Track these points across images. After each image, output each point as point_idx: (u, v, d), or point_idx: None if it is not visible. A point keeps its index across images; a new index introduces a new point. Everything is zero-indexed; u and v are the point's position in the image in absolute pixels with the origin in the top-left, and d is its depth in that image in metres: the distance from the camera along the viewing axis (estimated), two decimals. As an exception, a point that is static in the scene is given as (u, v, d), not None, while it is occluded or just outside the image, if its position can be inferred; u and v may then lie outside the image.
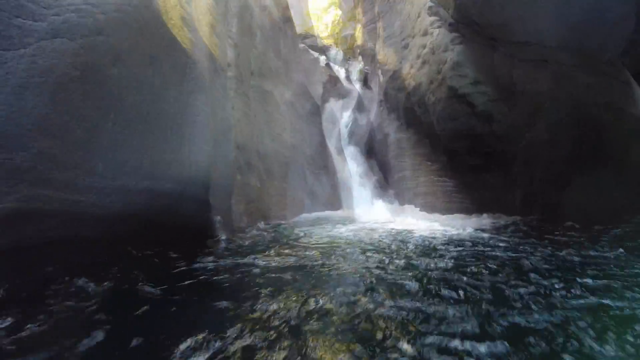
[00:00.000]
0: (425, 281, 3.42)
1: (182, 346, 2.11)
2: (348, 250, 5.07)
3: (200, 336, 2.21)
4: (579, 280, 3.40)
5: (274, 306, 2.71)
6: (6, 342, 2.04)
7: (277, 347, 2.14)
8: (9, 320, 2.24)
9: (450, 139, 9.55)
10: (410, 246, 5.35)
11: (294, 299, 2.89)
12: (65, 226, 2.92)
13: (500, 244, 5.36)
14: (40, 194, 2.64)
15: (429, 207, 10.34)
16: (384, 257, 4.47)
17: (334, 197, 12.13)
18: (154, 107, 3.96)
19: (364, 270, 3.84)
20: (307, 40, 19.67)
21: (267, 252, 4.71)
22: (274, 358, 2.02)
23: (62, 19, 2.59)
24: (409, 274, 3.69)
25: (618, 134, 7.65)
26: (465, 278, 3.48)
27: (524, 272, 3.72)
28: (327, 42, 21.95)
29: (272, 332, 2.30)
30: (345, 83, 16.96)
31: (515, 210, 8.46)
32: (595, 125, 7.67)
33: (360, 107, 15.52)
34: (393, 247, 5.33)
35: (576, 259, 4.33)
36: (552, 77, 7.79)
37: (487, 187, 9.28)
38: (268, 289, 3.12)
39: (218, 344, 2.15)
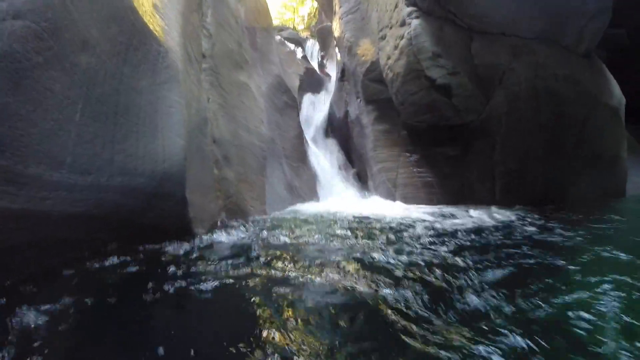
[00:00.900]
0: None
1: None
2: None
3: None
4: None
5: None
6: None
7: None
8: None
9: (410, 114, 9.70)
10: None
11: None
12: (31, 227, 2.73)
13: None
14: (5, 191, 2.45)
15: (410, 199, 10.36)
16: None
17: (313, 190, 12.03)
18: (125, 97, 3.76)
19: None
20: (283, 32, 19.48)
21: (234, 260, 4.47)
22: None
23: (24, 0, 2.38)
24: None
25: (577, 107, 7.84)
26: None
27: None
28: (304, 34, 21.78)
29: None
30: (322, 75, 16.87)
31: (495, 201, 8.56)
32: (554, 98, 7.81)
33: (337, 99, 15.44)
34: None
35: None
36: (510, 49, 7.91)
37: (465, 178, 9.39)
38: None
39: None
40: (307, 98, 16.49)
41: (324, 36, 19.48)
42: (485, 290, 2.92)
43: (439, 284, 3.08)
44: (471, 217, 7.10)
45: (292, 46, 18.26)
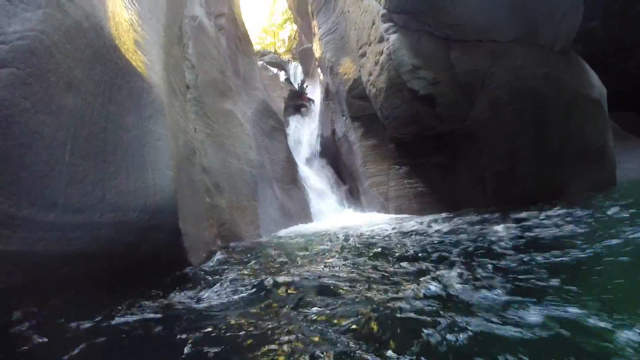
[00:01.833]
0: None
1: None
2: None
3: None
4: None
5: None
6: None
7: None
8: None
9: (395, 127, 9.85)
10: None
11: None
12: (28, 268, 2.73)
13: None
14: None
15: (403, 210, 10.44)
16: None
17: (306, 211, 12.06)
18: (113, 135, 3.81)
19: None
20: (265, 57, 19.73)
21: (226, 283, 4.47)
22: None
23: (8, 48, 2.44)
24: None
25: (559, 103, 7.99)
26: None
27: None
28: (285, 57, 22.07)
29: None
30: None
31: (488, 204, 8.64)
32: (535, 98, 7.96)
33: (323, 119, 15.60)
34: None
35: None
36: (489, 54, 8.09)
37: (456, 185, 9.49)
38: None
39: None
40: (294, 119, 16.65)
41: (305, 58, 19.78)
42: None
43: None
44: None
45: (274, 70, 18.50)
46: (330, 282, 3.81)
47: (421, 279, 3.51)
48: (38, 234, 2.76)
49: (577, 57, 8.65)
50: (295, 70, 20.24)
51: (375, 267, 4.31)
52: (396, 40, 8.72)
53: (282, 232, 9.36)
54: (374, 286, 3.48)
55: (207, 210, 7.05)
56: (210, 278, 4.60)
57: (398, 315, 2.68)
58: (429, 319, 2.54)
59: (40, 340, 2.56)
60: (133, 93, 4.32)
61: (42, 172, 2.76)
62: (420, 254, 4.80)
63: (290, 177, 12.33)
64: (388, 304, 2.88)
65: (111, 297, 3.51)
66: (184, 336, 2.64)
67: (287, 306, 3.15)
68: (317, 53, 14.46)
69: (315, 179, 14.19)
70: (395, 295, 3.12)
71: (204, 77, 8.32)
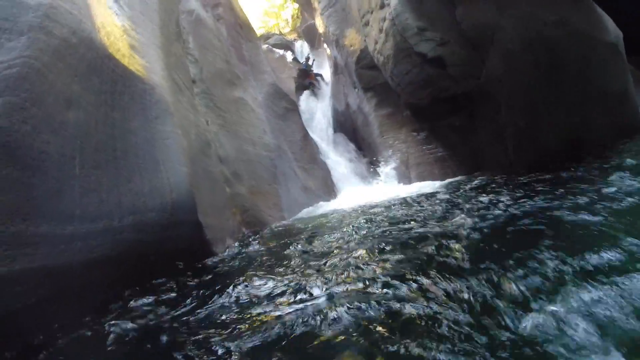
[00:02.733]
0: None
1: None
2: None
3: None
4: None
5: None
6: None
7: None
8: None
9: (409, 93, 9.68)
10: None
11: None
12: (54, 281, 2.90)
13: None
14: (22, 253, 2.63)
15: (425, 176, 10.36)
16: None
17: (328, 188, 12.12)
18: (121, 141, 3.94)
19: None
20: (270, 39, 19.61)
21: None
22: None
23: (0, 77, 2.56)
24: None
25: (574, 50, 7.66)
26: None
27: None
28: (291, 36, 21.84)
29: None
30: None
31: (510, 163, 8.49)
32: (548, 46, 7.65)
33: (336, 93, 15.48)
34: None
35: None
36: (495, 6, 7.75)
37: (476, 146, 9.33)
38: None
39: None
40: (306, 98, 16.58)
41: (310, 35, 19.53)
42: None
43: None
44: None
45: (281, 51, 18.37)
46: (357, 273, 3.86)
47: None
48: (60, 247, 2.91)
49: (588, 0, 8.24)
50: (302, 49, 20.04)
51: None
52: (398, 4, 8.50)
53: (307, 212, 9.46)
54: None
55: (228, 200, 7.20)
56: (227, 268, 4.71)
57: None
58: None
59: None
60: (135, 97, 4.42)
61: (53, 188, 2.90)
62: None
63: (310, 156, 12.36)
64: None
65: (137, 294, 3.66)
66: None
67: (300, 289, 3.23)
68: (321, 28, 14.27)
69: (335, 155, 14.18)
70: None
71: (209, 69, 8.38)
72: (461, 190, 6.99)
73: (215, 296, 3.48)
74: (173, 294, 3.71)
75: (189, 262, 4.70)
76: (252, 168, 8.50)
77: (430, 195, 7.12)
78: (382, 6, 9.15)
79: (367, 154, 13.97)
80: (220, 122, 8.09)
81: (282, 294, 3.18)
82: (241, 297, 3.32)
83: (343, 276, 3.27)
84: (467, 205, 5.36)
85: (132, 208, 3.86)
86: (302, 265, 4.05)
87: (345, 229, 5.66)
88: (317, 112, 16.11)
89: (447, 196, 6.69)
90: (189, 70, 7.39)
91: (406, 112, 10.94)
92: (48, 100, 2.90)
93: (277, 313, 2.78)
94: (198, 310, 3.17)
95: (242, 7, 12.99)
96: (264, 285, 3.50)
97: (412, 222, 5.07)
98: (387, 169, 11.81)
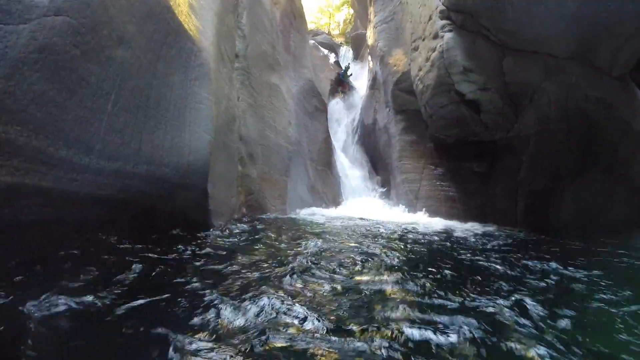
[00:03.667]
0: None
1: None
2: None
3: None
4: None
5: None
6: None
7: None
8: None
9: (438, 127, 9.71)
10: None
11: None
12: (59, 204, 2.93)
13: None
14: (35, 169, 2.65)
15: (432, 211, 10.34)
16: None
17: (335, 195, 12.14)
18: (157, 92, 3.98)
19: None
20: (317, 37, 19.71)
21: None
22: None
23: (65, -3, 2.60)
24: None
25: (609, 131, 7.62)
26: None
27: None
28: (338, 39, 21.94)
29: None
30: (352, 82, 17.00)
31: (516, 222, 8.47)
32: (585, 121, 7.62)
33: (367, 106, 15.52)
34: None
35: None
36: (543, 68, 7.73)
37: (488, 197, 9.31)
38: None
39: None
40: (337, 103, 16.66)
41: (358, 43, 19.61)
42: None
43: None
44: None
45: (325, 51, 18.47)
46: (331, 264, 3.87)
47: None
48: (72, 175, 2.94)
49: (633, 86, 8.18)
50: (346, 55, 20.12)
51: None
52: (451, 39, 8.50)
53: (308, 212, 9.47)
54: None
55: (237, 179, 7.24)
56: (222, 242, 4.74)
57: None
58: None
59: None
60: (182, 54, 4.48)
61: (84, 117, 2.93)
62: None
63: (326, 160, 12.40)
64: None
65: (127, 245, 3.69)
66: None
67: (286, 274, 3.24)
68: (370, 40, 14.32)
69: (350, 166, 14.21)
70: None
71: (254, 48, 8.44)
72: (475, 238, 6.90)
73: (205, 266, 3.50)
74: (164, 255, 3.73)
75: (187, 228, 4.73)
76: (268, 155, 8.53)
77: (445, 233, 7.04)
78: (436, 37, 9.15)
79: (381, 173, 13.98)
80: (250, 102, 8.14)
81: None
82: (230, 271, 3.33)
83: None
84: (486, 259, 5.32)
85: (149, 158, 3.88)
86: (293, 260, 4.06)
87: (344, 237, 5.66)
88: (344, 120, 16.18)
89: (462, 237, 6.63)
90: (235, 44, 7.45)
91: (430, 145, 10.94)
92: (103, 32, 2.94)
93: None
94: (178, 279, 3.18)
95: (300, -2, 13.11)
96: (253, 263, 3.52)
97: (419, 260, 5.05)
98: (396, 193, 11.80)
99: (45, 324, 1.99)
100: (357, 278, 3.35)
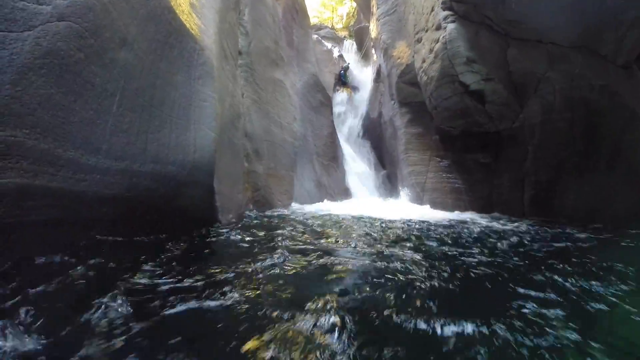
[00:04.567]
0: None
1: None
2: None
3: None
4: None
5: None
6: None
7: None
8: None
9: (443, 119, 9.71)
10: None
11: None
12: (67, 205, 3.00)
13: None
14: (44, 170, 2.73)
15: (438, 204, 10.37)
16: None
17: (342, 189, 12.18)
18: (161, 91, 4.04)
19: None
20: (321, 31, 19.66)
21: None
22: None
23: (67, 3, 2.67)
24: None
25: (613, 120, 7.56)
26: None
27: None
28: (341, 33, 21.87)
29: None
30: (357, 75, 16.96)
31: (522, 212, 8.46)
32: (589, 109, 7.59)
33: (372, 100, 15.50)
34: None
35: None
36: (547, 57, 7.70)
37: (494, 188, 9.32)
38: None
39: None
40: (342, 96, 16.64)
41: (361, 36, 19.55)
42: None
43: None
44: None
45: (329, 45, 18.44)
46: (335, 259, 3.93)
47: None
48: (80, 175, 3.01)
49: (639, 73, 8.12)
50: (350, 48, 20.06)
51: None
52: (454, 30, 8.47)
53: (314, 206, 9.53)
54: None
55: (244, 175, 7.30)
56: (230, 237, 4.81)
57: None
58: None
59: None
60: (184, 53, 4.53)
61: (90, 119, 3.01)
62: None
63: (331, 154, 12.44)
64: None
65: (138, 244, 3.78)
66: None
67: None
68: (373, 33, 14.28)
69: (356, 159, 14.23)
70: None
71: (257, 45, 8.48)
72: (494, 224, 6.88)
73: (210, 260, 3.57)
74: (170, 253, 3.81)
75: (194, 224, 4.81)
76: (274, 150, 8.59)
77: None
78: (439, 28, 9.13)
79: (388, 166, 13.99)
80: (254, 98, 8.19)
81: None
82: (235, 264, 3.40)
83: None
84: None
85: (155, 157, 3.95)
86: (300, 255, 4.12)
87: (352, 233, 5.71)
88: (349, 113, 16.17)
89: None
90: (238, 41, 7.50)
91: (435, 137, 10.95)
92: (105, 35, 3.00)
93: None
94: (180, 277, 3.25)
95: (302, -7, 13.11)
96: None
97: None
98: (402, 186, 11.82)
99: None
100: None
